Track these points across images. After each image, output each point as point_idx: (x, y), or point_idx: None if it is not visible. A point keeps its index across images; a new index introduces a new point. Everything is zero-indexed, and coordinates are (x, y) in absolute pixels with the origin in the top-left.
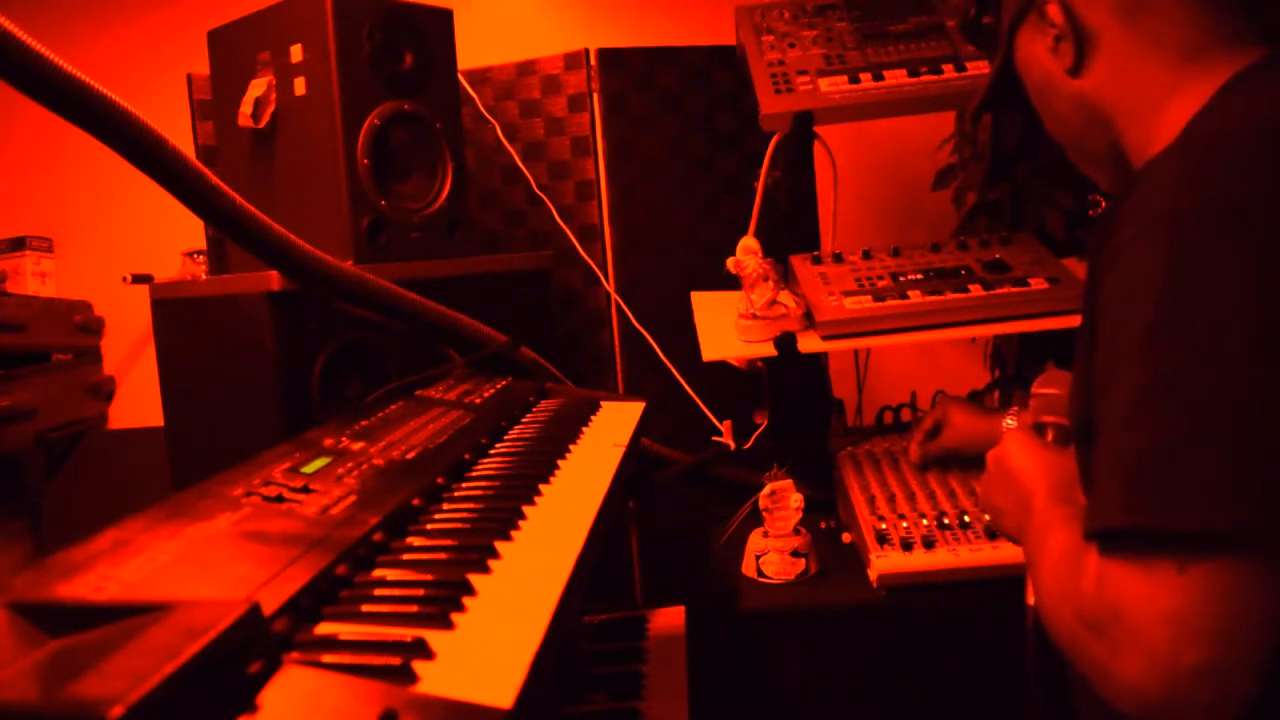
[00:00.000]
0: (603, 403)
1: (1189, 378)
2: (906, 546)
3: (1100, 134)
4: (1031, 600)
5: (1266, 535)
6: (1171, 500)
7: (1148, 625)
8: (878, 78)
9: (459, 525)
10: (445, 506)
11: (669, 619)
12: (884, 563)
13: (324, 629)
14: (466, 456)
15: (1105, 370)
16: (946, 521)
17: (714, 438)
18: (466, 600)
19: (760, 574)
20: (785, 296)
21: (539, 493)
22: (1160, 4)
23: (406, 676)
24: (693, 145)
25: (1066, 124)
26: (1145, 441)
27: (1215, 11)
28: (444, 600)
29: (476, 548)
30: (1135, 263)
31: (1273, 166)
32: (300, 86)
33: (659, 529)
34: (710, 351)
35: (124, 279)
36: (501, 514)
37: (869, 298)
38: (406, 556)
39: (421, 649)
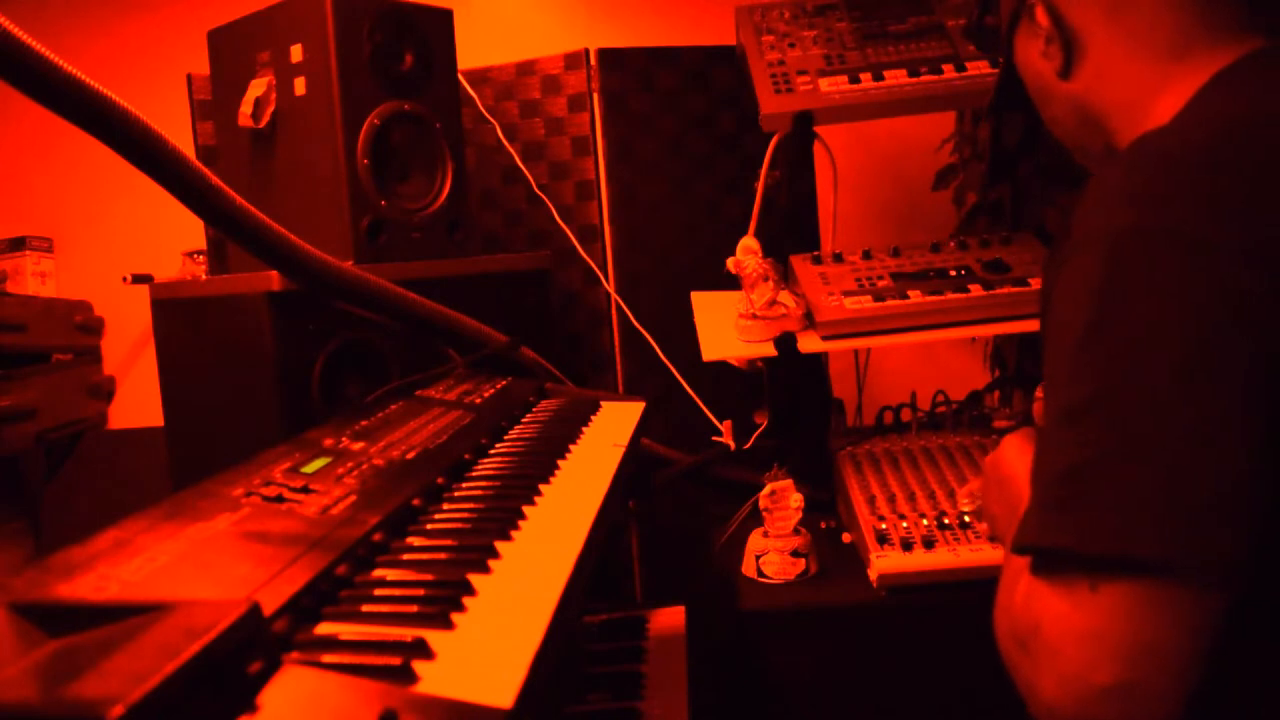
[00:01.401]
0: (603, 403)
1: (1108, 400)
2: (906, 546)
3: (1095, 135)
4: None
5: (1178, 561)
6: (1085, 522)
7: (1062, 643)
8: (878, 78)
9: (459, 525)
10: (445, 506)
11: (669, 619)
12: (884, 563)
13: (324, 629)
14: (466, 456)
15: (1045, 383)
16: (946, 521)
17: (714, 438)
18: (466, 600)
19: (760, 574)
20: (785, 296)
21: (539, 493)
22: (1144, 1)
23: (406, 676)
24: (693, 145)
25: (1063, 126)
26: (1065, 462)
27: (1202, 6)
28: (444, 600)
29: (476, 548)
30: (1073, 277)
31: (1211, 188)
32: (300, 86)
33: (659, 529)
34: (710, 351)
35: (124, 279)
36: (501, 514)
37: (869, 298)
38: (406, 556)
39: (421, 649)
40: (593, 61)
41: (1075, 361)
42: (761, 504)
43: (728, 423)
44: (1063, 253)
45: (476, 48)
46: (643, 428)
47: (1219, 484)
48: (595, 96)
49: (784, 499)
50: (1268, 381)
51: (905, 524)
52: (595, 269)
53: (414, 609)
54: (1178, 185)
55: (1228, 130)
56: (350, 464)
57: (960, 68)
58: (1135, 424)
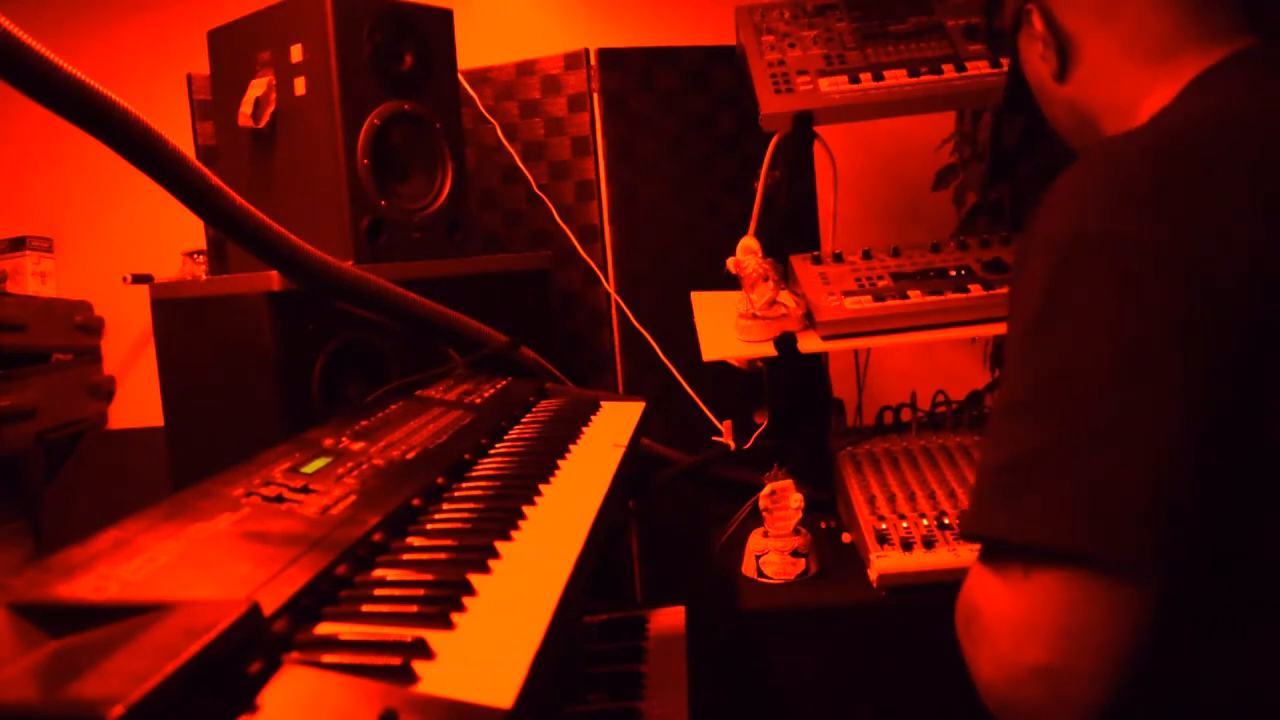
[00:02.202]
0: (603, 403)
1: (1045, 397)
2: (906, 546)
3: (1092, 135)
4: None
5: (1102, 554)
6: (1018, 513)
7: (997, 626)
8: (878, 78)
9: (459, 525)
10: (445, 506)
11: (669, 619)
12: (884, 563)
13: (324, 629)
14: (466, 456)
15: (1000, 379)
16: (946, 521)
17: (714, 438)
18: (466, 600)
19: (760, 574)
20: (785, 296)
21: (539, 493)
22: (1135, 4)
23: (406, 676)
24: (693, 145)
25: (1063, 126)
26: (1004, 454)
27: (1190, 9)
28: (444, 600)
29: (476, 548)
30: (1024, 279)
31: (1154, 194)
32: (300, 86)
33: (659, 529)
34: (710, 351)
35: (124, 279)
36: (501, 514)
37: (869, 298)
38: (406, 556)
39: (421, 649)
40: (593, 61)
41: (1019, 359)
42: (761, 504)
43: (728, 423)
44: (1020, 256)
45: (476, 48)
46: (643, 428)
47: (1146, 481)
48: (595, 96)
49: (784, 499)
50: (1203, 384)
51: (905, 524)
52: (595, 269)
53: (414, 609)
54: (1120, 192)
55: (1186, 132)
56: (350, 464)
57: (960, 68)
58: (1068, 421)
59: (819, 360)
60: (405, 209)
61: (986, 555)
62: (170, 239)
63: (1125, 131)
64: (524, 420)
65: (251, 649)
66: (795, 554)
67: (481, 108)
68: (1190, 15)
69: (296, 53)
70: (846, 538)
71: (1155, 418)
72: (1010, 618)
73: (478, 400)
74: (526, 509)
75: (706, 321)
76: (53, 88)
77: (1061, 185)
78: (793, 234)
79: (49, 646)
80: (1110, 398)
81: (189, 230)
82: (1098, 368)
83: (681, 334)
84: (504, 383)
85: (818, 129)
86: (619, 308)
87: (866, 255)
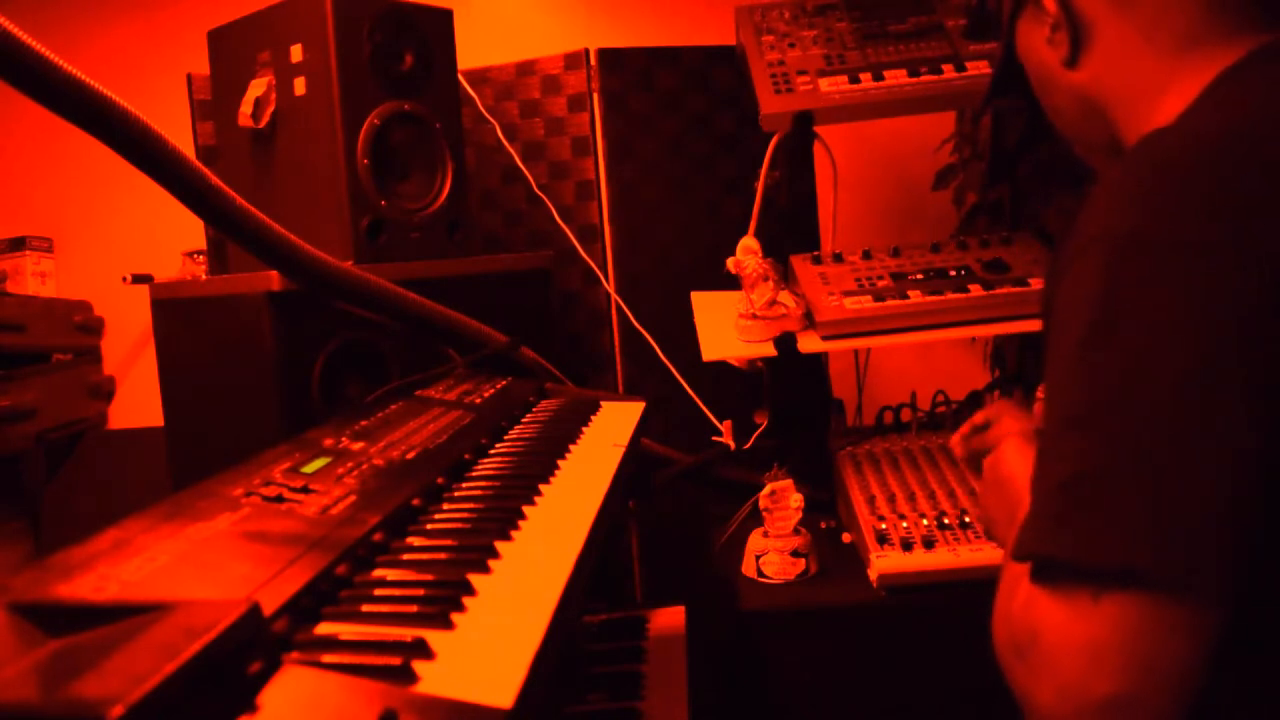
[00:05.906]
0: (603, 403)
1: (1109, 410)
2: (906, 546)
3: (1099, 126)
4: None
5: (1181, 576)
6: (1087, 533)
7: (1062, 653)
8: (878, 78)
9: (459, 525)
10: (445, 506)
11: (669, 619)
12: (884, 563)
13: (324, 629)
14: (466, 456)
15: (1046, 388)
16: (946, 521)
17: (714, 438)
18: (466, 600)
19: (760, 574)
20: (785, 296)
21: (539, 493)
22: None
23: (406, 676)
24: (693, 145)
25: (1065, 117)
26: (1066, 471)
27: (1211, 1)
28: (444, 600)
29: (476, 548)
30: (1075, 282)
31: (1216, 193)
32: (300, 86)
33: (659, 529)
34: (710, 351)
35: (124, 279)
36: (501, 514)
37: (869, 298)
38: (406, 556)
39: (421, 649)
40: (593, 61)
41: (1076, 368)
42: (761, 504)
43: (728, 423)
44: (1066, 256)
45: (476, 48)
46: (643, 428)
47: (1220, 497)
48: (595, 96)
49: (784, 499)
50: (1268, 393)
51: (905, 524)
52: (595, 269)
53: (414, 609)
54: (1180, 191)
55: (1232, 132)
56: (350, 464)
57: (960, 68)
58: (1137, 435)
59: (819, 360)
60: (405, 209)
61: (1045, 577)
62: (170, 239)
63: (1164, 129)
64: (524, 420)
65: (251, 649)
66: (795, 554)
67: (481, 108)
68: (1209, 7)
69: (296, 53)
70: (846, 538)
71: (1229, 423)
72: (1078, 645)
73: (478, 400)
74: (526, 509)
75: (706, 321)
76: (53, 88)
77: (1111, 185)
78: (793, 234)
79: (49, 646)
80: (1182, 404)
81: (189, 230)
82: (1166, 377)
83: (681, 334)
84: (504, 383)
85: (818, 129)
86: (619, 308)
87: (866, 255)
